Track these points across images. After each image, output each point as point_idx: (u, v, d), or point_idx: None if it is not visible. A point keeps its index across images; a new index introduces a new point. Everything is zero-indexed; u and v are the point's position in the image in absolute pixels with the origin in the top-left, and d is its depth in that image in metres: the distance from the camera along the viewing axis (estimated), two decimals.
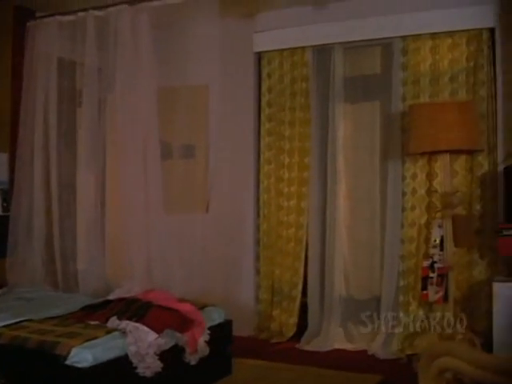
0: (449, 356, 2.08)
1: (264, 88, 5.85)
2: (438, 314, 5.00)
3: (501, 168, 4.92)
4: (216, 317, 4.46)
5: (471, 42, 5.11)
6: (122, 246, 5.26)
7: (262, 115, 5.86)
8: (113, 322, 3.79)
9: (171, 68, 5.55)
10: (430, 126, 4.71)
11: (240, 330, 4.97)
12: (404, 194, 5.25)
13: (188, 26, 5.50)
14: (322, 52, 5.62)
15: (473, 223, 5.00)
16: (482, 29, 5.07)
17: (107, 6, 5.11)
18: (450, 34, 5.15)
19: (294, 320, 5.60)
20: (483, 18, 5.03)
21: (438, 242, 4.86)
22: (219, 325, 4.44)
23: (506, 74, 4.97)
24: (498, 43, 5.02)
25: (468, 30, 5.10)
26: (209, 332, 4.18)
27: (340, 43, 5.51)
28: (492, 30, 5.05)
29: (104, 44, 5.10)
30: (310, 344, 5.35)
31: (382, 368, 4.81)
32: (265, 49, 5.82)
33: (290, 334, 5.58)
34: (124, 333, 3.67)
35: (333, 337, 5.41)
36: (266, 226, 5.80)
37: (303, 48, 5.65)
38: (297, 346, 5.37)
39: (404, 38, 5.27)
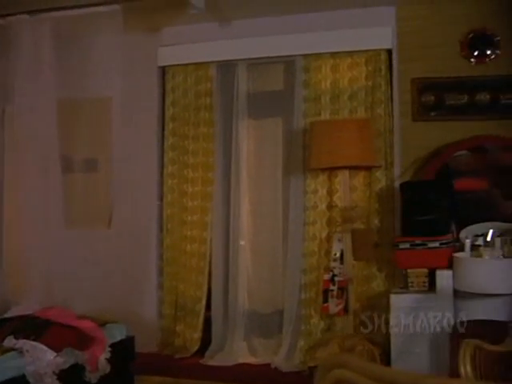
0: (344, 368, 2.13)
1: (168, 102, 5.84)
2: (339, 326, 5.16)
3: (397, 184, 5.09)
4: (117, 334, 4.42)
5: (370, 62, 5.29)
6: (20, 262, 5.14)
7: (165, 129, 5.84)
8: (9, 341, 3.69)
9: (74, 80, 5.46)
10: (330, 142, 4.86)
11: (143, 347, 4.94)
12: (305, 208, 5.35)
13: (92, 38, 5.43)
14: (226, 68, 5.68)
15: (371, 237, 5.14)
16: (380, 49, 5.26)
17: (7, 15, 4.98)
18: (350, 53, 5.32)
19: (197, 335, 5.59)
20: (381, 39, 5.24)
21: (338, 255, 5.01)
22: (121, 341, 4.41)
23: (402, 93, 5.19)
24: (394, 64, 5.24)
25: (367, 51, 5.28)
26: (110, 349, 4.14)
27: (244, 60, 5.59)
28: (389, 51, 5.26)
29: (3, 53, 4.97)
30: (214, 359, 5.36)
31: (285, 381, 4.90)
32: (169, 63, 5.82)
33: (194, 349, 5.56)
34: (21, 352, 3.59)
35: (237, 351, 5.44)
36: (170, 241, 5.77)
37: (208, 63, 5.69)
38: (201, 361, 5.37)
39: (306, 56, 5.40)
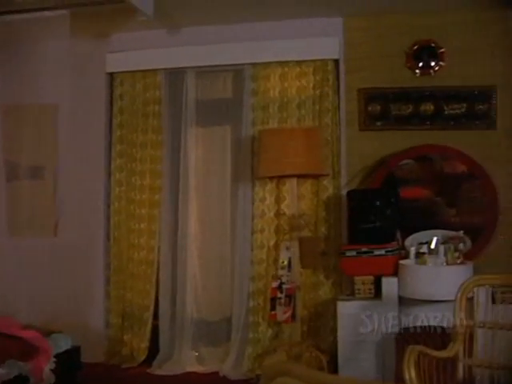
0: (287, 376, 2.16)
1: (116, 109, 5.79)
2: (287, 334, 5.18)
3: (344, 192, 5.16)
4: (63, 344, 4.35)
5: (317, 72, 5.35)
6: None
7: (113, 136, 5.79)
8: None
9: (19, 85, 5.36)
10: (278, 151, 4.90)
11: (89, 357, 4.88)
12: (253, 216, 5.38)
13: (39, 44, 5.34)
14: (175, 75, 5.66)
15: (318, 245, 5.19)
16: (327, 59, 5.33)
17: None
18: (298, 63, 5.37)
19: (145, 344, 5.55)
20: (328, 49, 5.32)
21: (285, 263, 5.03)
22: (66, 352, 4.33)
23: (349, 103, 5.27)
24: (341, 74, 5.32)
25: (315, 60, 5.34)
26: (55, 360, 4.07)
27: (192, 67, 5.58)
28: (337, 61, 5.34)
29: None
30: (161, 368, 5.33)
31: None
32: (118, 69, 5.77)
33: (142, 358, 5.51)
34: None
35: (185, 360, 5.42)
36: (117, 249, 5.71)
37: (156, 70, 5.66)
38: (148, 370, 5.33)
39: (254, 64, 5.43)
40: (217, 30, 5.46)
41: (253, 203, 5.39)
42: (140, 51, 5.64)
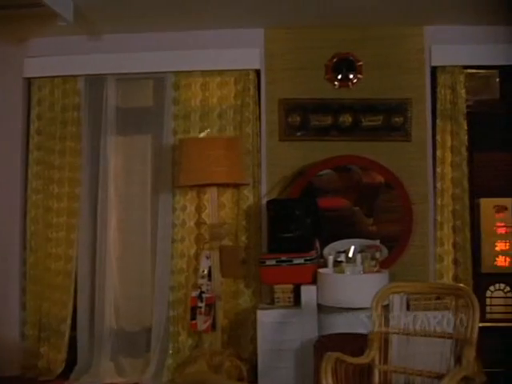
0: None
1: (33, 115, 5.65)
2: (207, 343, 5.18)
3: (264, 201, 5.22)
4: None
5: (239, 82, 5.39)
6: None
7: (30, 143, 5.64)
8: None
9: None
10: (199, 160, 4.90)
11: (5, 370, 4.81)
12: (174, 225, 5.36)
13: None
14: (95, 82, 5.58)
15: (239, 254, 5.22)
16: (249, 70, 5.38)
17: None
18: (220, 72, 5.40)
19: (62, 356, 5.42)
20: (250, 59, 5.37)
21: (206, 272, 5.03)
22: None
23: (269, 113, 5.34)
24: (262, 84, 5.38)
25: (236, 70, 5.38)
26: None
27: (113, 74, 5.51)
28: (258, 72, 5.39)
29: None
30: (79, 380, 5.22)
31: None
32: (36, 75, 5.63)
33: (59, 370, 5.38)
34: None
35: (103, 371, 5.33)
36: (34, 259, 5.55)
37: (76, 77, 5.56)
38: (66, 383, 5.21)
39: (176, 73, 5.43)
40: (139, 37, 5.43)
41: (173, 212, 5.37)
42: (60, 57, 5.54)
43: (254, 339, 5.02)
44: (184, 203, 5.37)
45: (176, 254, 5.35)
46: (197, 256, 5.30)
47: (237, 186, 5.28)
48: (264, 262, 4.81)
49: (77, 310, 5.47)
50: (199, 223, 5.35)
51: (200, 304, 4.96)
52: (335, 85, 5.31)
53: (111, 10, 4.90)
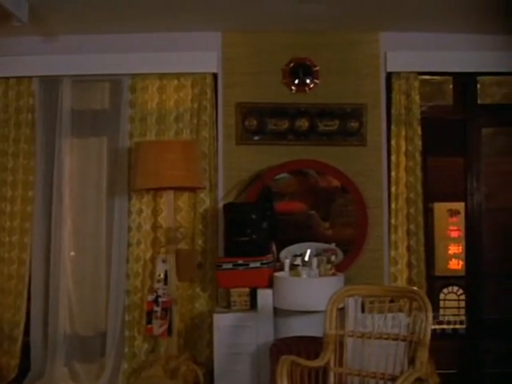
0: None
1: None
2: (163, 347, 5.16)
3: (220, 205, 5.22)
4: None
5: (196, 85, 5.38)
6: None
7: None
8: None
9: None
10: (155, 163, 4.89)
11: None
12: (130, 229, 5.32)
13: None
14: (50, 83, 5.49)
15: (195, 258, 5.22)
16: (206, 73, 5.37)
17: None
18: (177, 75, 5.37)
19: (15, 361, 5.31)
20: (207, 63, 5.35)
21: (162, 276, 5.01)
22: None
23: (226, 117, 5.34)
24: (219, 88, 5.38)
25: (193, 74, 5.36)
26: None
27: (68, 76, 5.44)
28: (215, 75, 5.39)
29: None
30: None
31: None
32: None
33: (11, 376, 5.28)
34: None
35: (57, 377, 5.25)
36: None
37: (30, 78, 5.46)
38: None
39: (133, 75, 5.38)
40: (95, 39, 5.38)
41: (129, 216, 5.33)
42: (14, 57, 5.42)
43: (210, 343, 5.00)
44: (140, 207, 5.33)
45: (132, 258, 5.30)
46: (153, 260, 5.26)
47: (193, 189, 5.27)
48: (220, 266, 4.81)
49: (30, 315, 5.38)
50: (155, 227, 5.31)
51: (156, 308, 4.94)
52: (292, 89, 5.34)
53: (67, 10, 4.83)
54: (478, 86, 5.52)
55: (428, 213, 5.34)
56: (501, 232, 5.50)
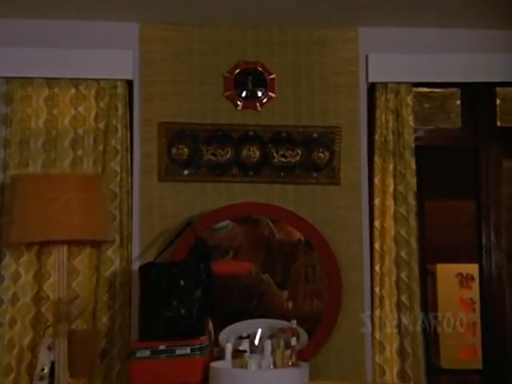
0: None
1: None
2: None
3: (135, 266, 4.84)
4: None
5: (102, 96, 4.96)
6: None
7: None
8: None
9: None
10: (41, 206, 4.52)
11: None
12: (0, 302, 4.80)
13: None
14: None
15: (97, 342, 4.78)
16: (116, 79, 4.99)
17: None
18: (74, 82, 4.97)
19: None
20: (119, 66, 5.00)
21: (46, 371, 4.54)
22: None
23: (146, 142, 5.01)
24: (136, 101, 5.02)
25: (98, 80, 4.98)
26: None
27: None
28: (130, 83, 5.03)
29: None
30: None
31: None
32: None
33: None
34: None
35: None
36: None
37: None
38: None
39: (9, 79, 4.96)
40: None
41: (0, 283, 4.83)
42: None
43: None
44: (17, 269, 4.79)
45: (2, 345, 4.75)
46: (34, 346, 4.75)
47: (96, 243, 4.84)
48: (134, 354, 4.31)
49: None
50: (39, 298, 4.80)
51: None
52: (238, 105, 5.03)
53: None
54: (498, 101, 5.29)
55: (427, 278, 5.03)
56: None
